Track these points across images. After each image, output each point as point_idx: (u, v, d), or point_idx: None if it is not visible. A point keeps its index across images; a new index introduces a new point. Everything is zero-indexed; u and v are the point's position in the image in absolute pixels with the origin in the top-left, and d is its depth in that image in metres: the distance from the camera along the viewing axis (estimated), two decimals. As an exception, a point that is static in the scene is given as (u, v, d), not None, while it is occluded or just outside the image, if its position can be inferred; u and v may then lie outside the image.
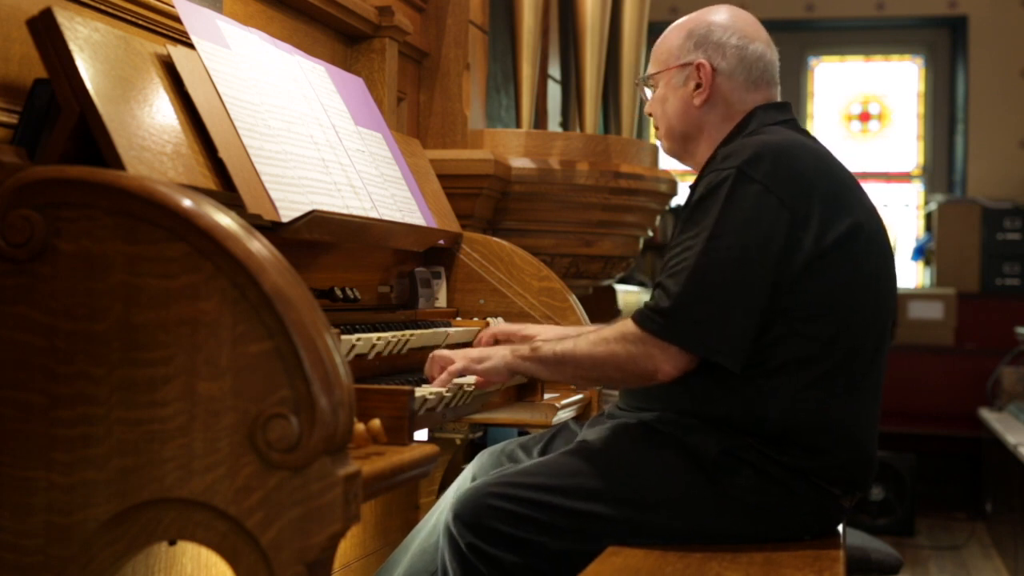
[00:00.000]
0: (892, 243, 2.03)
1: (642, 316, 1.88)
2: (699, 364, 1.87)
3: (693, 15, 2.14)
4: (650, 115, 2.20)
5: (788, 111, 2.09)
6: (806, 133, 2.06)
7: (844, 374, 1.89)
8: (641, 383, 1.95)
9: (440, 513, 2.16)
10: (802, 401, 1.87)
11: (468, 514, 1.87)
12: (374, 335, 2.01)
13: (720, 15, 2.11)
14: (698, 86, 2.06)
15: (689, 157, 2.15)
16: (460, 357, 2.02)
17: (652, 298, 1.89)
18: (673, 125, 2.12)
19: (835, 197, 1.90)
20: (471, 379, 2.02)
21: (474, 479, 2.18)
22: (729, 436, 1.87)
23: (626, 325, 1.90)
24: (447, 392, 1.96)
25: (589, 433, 2.04)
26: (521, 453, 2.22)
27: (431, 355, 2.05)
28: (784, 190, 1.85)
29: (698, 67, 2.06)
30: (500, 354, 2.01)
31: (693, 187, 2.06)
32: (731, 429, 1.88)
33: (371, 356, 2.01)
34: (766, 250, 1.83)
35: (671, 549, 1.84)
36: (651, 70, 2.16)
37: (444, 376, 1.99)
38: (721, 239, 1.84)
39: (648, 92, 2.18)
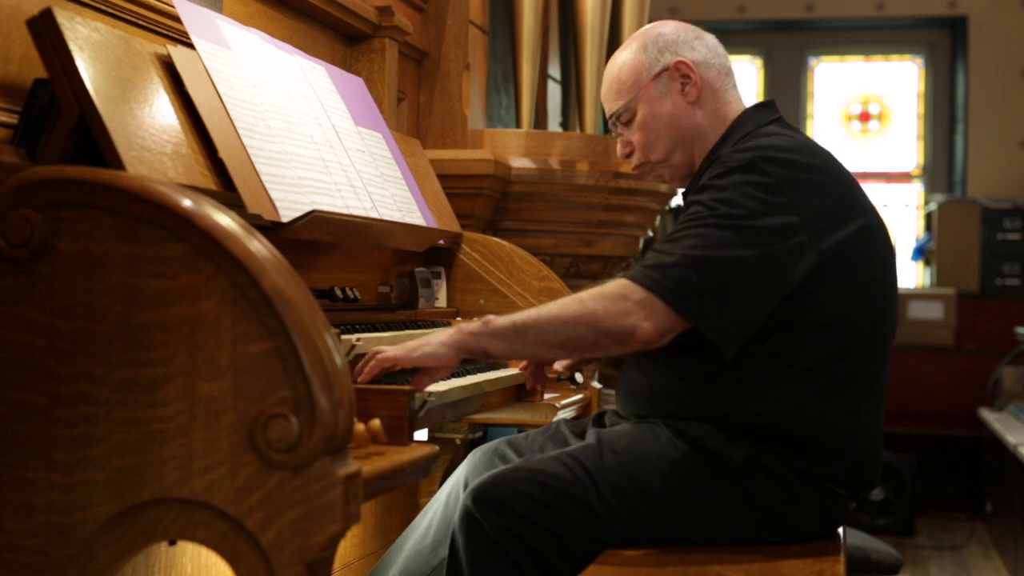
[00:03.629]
0: (894, 242, 2.02)
1: (635, 273, 1.80)
2: (691, 358, 1.83)
3: (633, 39, 2.10)
4: (628, 155, 2.09)
5: (776, 110, 2.08)
6: (797, 130, 2.04)
7: (855, 377, 1.88)
8: (615, 343, 1.82)
9: (434, 514, 2.15)
10: (816, 407, 1.86)
11: (491, 497, 1.83)
12: (375, 335, 2.01)
13: (661, 26, 2.10)
14: (683, 84, 2.03)
15: (691, 171, 2.07)
16: (394, 349, 1.85)
17: (647, 258, 1.83)
18: (671, 138, 2.04)
19: (843, 200, 1.88)
20: (471, 378, 2.01)
21: (466, 482, 2.17)
22: (749, 442, 1.85)
23: (607, 284, 1.82)
24: (451, 388, 1.96)
25: (608, 434, 2.01)
26: (512, 453, 2.21)
27: (369, 354, 1.87)
28: (795, 191, 1.82)
29: (677, 66, 2.03)
30: (437, 337, 1.85)
31: (688, 190, 2.04)
32: (747, 435, 1.86)
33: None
34: (776, 242, 1.80)
35: (671, 550, 1.84)
36: (622, 102, 2.07)
37: (372, 363, 1.82)
38: (731, 219, 1.79)
39: (624, 130, 2.08)
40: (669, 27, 2.10)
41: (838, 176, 1.92)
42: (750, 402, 1.85)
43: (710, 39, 2.10)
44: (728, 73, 2.09)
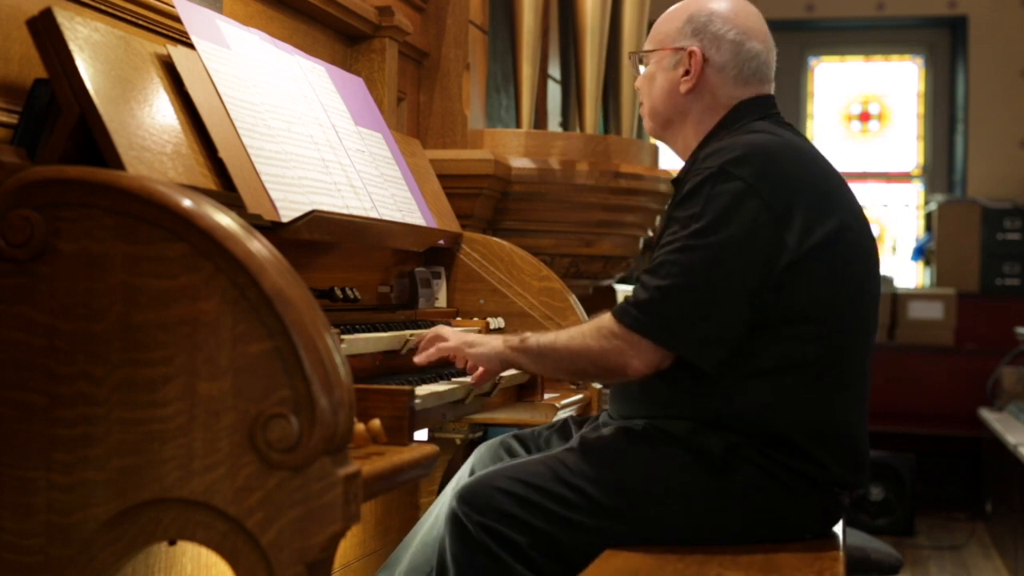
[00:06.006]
0: (877, 244, 2.03)
1: (619, 310, 1.88)
2: (677, 364, 1.86)
3: (686, 3, 2.11)
4: (638, 89, 2.19)
5: (772, 105, 2.08)
6: (792, 128, 2.05)
7: (833, 375, 1.89)
8: (614, 378, 1.96)
9: (442, 508, 2.16)
10: (792, 402, 1.87)
11: (474, 497, 1.87)
12: (378, 335, 2.02)
13: (724, 4, 2.07)
14: (686, 73, 2.05)
15: (670, 140, 2.15)
16: (455, 338, 2.06)
17: (632, 293, 1.89)
18: (657, 107, 2.11)
19: (820, 198, 1.89)
20: (470, 378, 2.03)
21: (472, 473, 2.19)
22: (730, 435, 1.87)
23: (602, 319, 1.91)
24: (451, 388, 1.97)
25: (589, 434, 2.04)
26: (519, 447, 2.23)
27: (432, 329, 2.11)
28: (767, 190, 1.84)
29: (690, 54, 2.05)
30: (492, 343, 2.03)
31: (676, 182, 2.07)
32: (727, 430, 1.87)
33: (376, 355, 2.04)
34: (746, 249, 1.83)
35: (671, 550, 1.84)
36: (647, 46, 2.15)
37: (432, 350, 2.05)
38: (701, 236, 1.84)
39: (641, 68, 2.17)
40: (725, 10, 2.06)
41: (815, 175, 1.93)
42: (728, 397, 1.87)
43: (751, 47, 2.04)
44: (748, 82, 2.05)
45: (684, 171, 2.05)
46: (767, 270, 1.84)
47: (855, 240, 1.92)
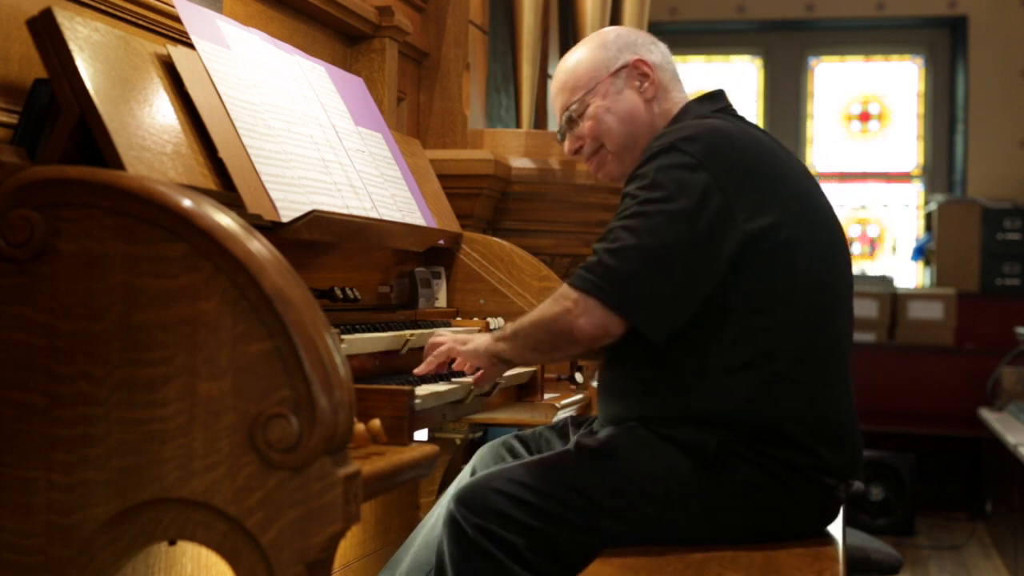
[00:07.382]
0: (843, 233, 2.02)
1: (574, 275, 1.89)
2: (652, 363, 1.87)
3: (588, 40, 2.16)
4: (577, 151, 2.13)
5: (723, 99, 2.10)
6: (746, 121, 2.05)
7: (809, 366, 1.89)
8: (566, 344, 1.92)
9: (443, 509, 2.16)
10: (773, 394, 1.87)
11: (471, 499, 1.88)
12: (378, 335, 2.02)
13: (615, 31, 2.17)
14: (641, 82, 2.08)
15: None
16: (448, 339, 2.07)
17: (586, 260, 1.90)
18: (622, 133, 2.08)
19: (770, 182, 1.89)
20: (469, 378, 2.03)
21: (474, 474, 2.19)
22: (719, 431, 1.87)
23: (560, 288, 1.92)
24: (451, 388, 1.97)
25: (585, 435, 2.04)
26: (520, 447, 2.23)
27: (429, 340, 2.12)
28: (716, 167, 1.85)
29: (636, 64, 2.09)
30: (482, 338, 2.03)
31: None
32: (714, 426, 1.87)
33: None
34: (694, 219, 1.83)
35: (670, 550, 1.84)
36: (575, 98, 2.11)
37: (429, 359, 2.05)
38: (650, 204, 1.85)
39: (575, 126, 2.12)
40: (620, 30, 2.17)
41: (767, 160, 1.93)
42: (709, 394, 1.87)
43: (663, 46, 2.17)
44: (678, 78, 2.16)
45: (637, 168, 2.02)
46: (717, 245, 1.83)
47: (811, 224, 1.92)
